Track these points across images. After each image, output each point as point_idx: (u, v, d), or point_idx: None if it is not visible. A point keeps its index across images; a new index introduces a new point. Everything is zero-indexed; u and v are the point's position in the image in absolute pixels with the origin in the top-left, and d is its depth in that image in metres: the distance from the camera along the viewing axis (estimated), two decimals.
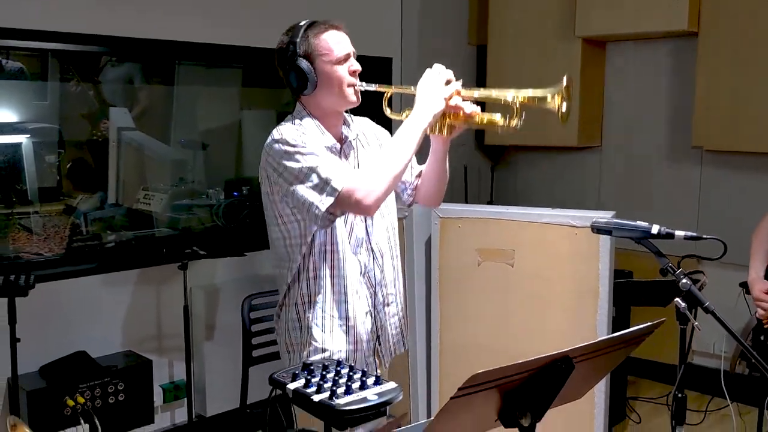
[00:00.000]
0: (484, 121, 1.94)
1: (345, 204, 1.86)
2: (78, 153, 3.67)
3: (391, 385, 1.39)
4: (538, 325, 2.62)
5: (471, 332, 2.67)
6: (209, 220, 3.82)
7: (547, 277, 2.55)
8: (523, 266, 2.60)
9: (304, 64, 1.94)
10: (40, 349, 2.91)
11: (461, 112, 1.95)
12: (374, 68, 3.96)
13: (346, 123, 2.08)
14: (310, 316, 1.99)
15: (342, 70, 1.96)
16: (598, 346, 1.39)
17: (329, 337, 1.98)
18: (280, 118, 3.70)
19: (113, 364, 3.03)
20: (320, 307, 1.99)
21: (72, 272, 3.12)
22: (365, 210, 1.88)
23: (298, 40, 1.94)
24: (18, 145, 3.43)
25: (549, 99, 1.85)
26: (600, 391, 2.51)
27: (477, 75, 4.67)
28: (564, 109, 1.84)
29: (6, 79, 3.34)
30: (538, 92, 1.87)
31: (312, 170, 1.86)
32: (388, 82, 4.07)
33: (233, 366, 2.97)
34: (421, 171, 2.15)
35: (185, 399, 3.25)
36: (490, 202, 4.75)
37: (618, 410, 3.46)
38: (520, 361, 1.27)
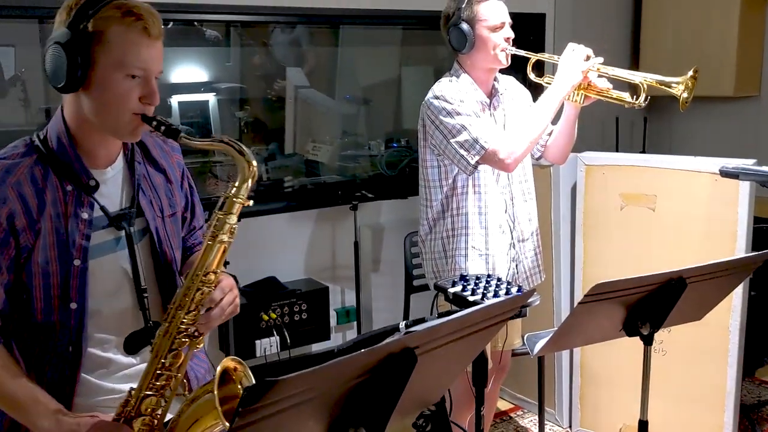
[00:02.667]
0: (614, 97, 2.20)
1: (489, 161, 2.20)
2: (257, 109, 4.21)
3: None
4: (677, 264, 2.80)
5: (612, 268, 2.89)
6: (372, 168, 4.16)
7: (686, 221, 2.72)
8: (664, 210, 2.78)
9: (465, 27, 2.25)
10: (241, 273, 3.38)
11: (596, 86, 2.21)
12: (527, 25, 4.15)
13: (495, 80, 2.39)
14: (455, 247, 2.34)
15: (496, 36, 2.26)
16: (711, 269, 1.62)
17: (471, 265, 2.32)
18: (437, 74, 4.03)
19: (297, 288, 3.44)
20: (464, 239, 2.32)
21: (264, 210, 3.57)
22: (505, 167, 2.21)
23: (463, 6, 2.25)
24: (206, 102, 4.01)
25: (674, 86, 2.07)
26: (735, 329, 2.67)
27: (633, 25, 4.63)
28: (686, 96, 2.06)
29: (204, 46, 3.92)
30: (665, 78, 2.09)
31: (464, 128, 2.20)
32: (542, 38, 4.25)
33: (396, 294, 3.27)
34: (551, 131, 2.42)
35: (355, 322, 3.70)
36: (642, 153, 4.79)
37: (762, 356, 3.56)
38: (638, 276, 1.55)
